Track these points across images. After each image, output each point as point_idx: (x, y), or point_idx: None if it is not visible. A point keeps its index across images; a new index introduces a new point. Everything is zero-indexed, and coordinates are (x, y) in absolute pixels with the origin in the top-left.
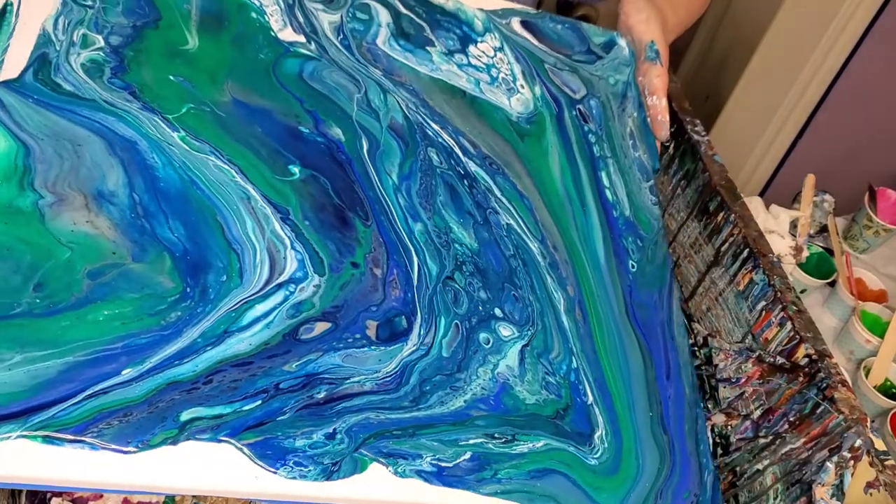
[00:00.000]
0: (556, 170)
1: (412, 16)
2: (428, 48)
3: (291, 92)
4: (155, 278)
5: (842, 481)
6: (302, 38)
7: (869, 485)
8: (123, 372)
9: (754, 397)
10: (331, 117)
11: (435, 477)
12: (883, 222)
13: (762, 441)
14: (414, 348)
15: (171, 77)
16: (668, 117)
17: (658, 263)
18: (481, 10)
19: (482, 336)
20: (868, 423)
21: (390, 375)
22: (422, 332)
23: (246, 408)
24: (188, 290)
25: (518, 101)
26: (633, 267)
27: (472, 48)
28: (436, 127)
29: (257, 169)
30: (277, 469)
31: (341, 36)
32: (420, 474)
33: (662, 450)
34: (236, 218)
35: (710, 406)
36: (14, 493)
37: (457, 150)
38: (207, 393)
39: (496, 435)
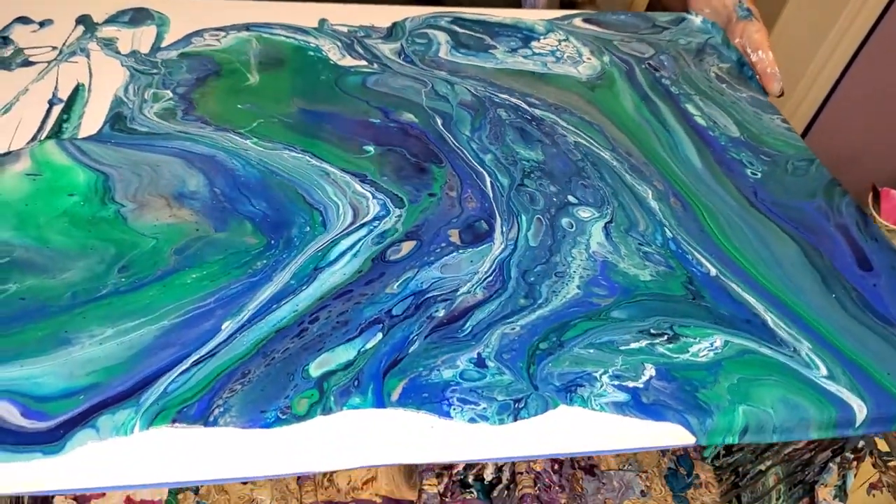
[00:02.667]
0: (629, 105)
1: (470, 32)
2: (490, 51)
3: (357, 97)
4: (238, 240)
5: (844, 482)
6: (363, 63)
7: (872, 486)
8: (223, 326)
9: None
10: (400, 108)
11: (633, 406)
12: (887, 223)
13: None
14: (502, 247)
15: (239, 105)
16: (777, 70)
17: (811, 176)
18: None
19: (564, 221)
20: None
21: (490, 275)
22: (504, 230)
23: (369, 345)
24: (272, 242)
25: (585, 67)
26: (754, 175)
27: (534, 43)
28: (503, 95)
29: (332, 152)
30: (449, 411)
31: (403, 56)
32: (614, 406)
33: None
34: (316, 188)
35: None
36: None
37: (523, 104)
38: (318, 332)
39: (652, 330)
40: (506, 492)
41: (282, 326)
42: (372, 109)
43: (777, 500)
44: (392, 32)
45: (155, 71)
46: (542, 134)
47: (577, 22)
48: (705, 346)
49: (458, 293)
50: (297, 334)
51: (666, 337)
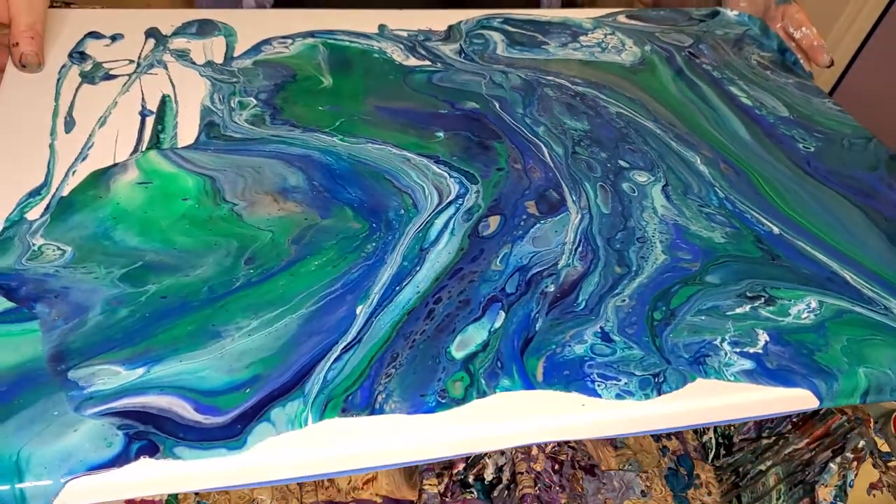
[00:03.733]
0: (672, 86)
1: (523, 31)
2: (543, 46)
3: (425, 93)
4: (344, 225)
5: (845, 482)
6: (427, 63)
7: (872, 486)
8: (357, 311)
9: None
10: (464, 98)
11: (762, 373)
12: None
13: (765, 441)
14: (578, 216)
15: (320, 107)
16: (823, 42)
17: (870, 151)
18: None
19: (625, 186)
20: (871, 424)
21: (579, 245)
22: (575, 199)
23: (497, 325)
24: (374, 225)
25: (628, 55)
26: (807, 148)
27: (583, 38)
28: (549, 78)
29: (408, 141)
30: (595, 388)
31: (463, 55)
32: (745, 374)
33: None
34: (401, 174)
35: None
36: None
37: (567, 83)
38: (445, 313)
39: (748, 294)
40: (506, 492)
41: (411, 308)
42: (439, 102)
43: (777, 500)
44: (450, 35)
45: (234, 80)
46: (585, 107)
47: (621, 18)
48: (803, 307)
49: (560, 266)
50: (427, 316)
51: (763, 300)
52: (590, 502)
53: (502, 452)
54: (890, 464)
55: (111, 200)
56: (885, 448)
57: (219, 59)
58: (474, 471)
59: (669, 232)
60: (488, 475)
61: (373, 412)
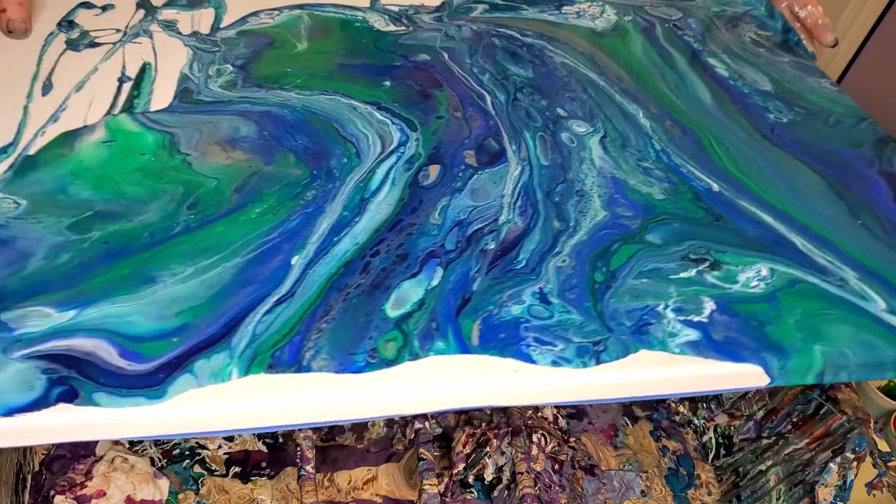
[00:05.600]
0: (638, 50)
1: (510, 3)
2: (520, 11)
3: (389, 51)
4: (286, 171)
5: (845, 482)
6: (402, 28)
7: (872, 486)
8: (293, 261)
9: (757, 398)
10: (419, 51)
11: (708, 346)
12: None
13: (765, 442)
14: (518, 168)
15: (288, 69)
16: (828, 21)
17: (860, 130)
18: None
19: (564, 136)
20: (871, 424)
21: (518, 199)
22: (514, 149)
23: (434, 283)
24: (314, 172)
25: (601, 21)
26: (778, 119)
27: (566, 7)
28: (501, 29)
29: (356, 90)
30: (531, 353)
31: (437, 19)
32: (691, 346)
33: None
34: (347, 122)
35: (712, 406)
36: (17, 489)
37: (517, 34)
38: (381, 267)
39: (692, 255)
40: (506, 492)
41: (347, 260)
42: (396, 56)
43: (777, 500)
44: (441, 8)
45: (216, 49)
46: (531, 56)
47: None
48: (752, 274)
49: (500, 223)
50: (363, 269)
51: (708, 263)
52: (590, 502)
53: (502, 452)
54: (890, 464)
55: (73, 158)
56: (885, 448)
57: (205, 30)
58: (474, 471)
59: (608, 186)
60: (488, 475)
61: (300, 369)
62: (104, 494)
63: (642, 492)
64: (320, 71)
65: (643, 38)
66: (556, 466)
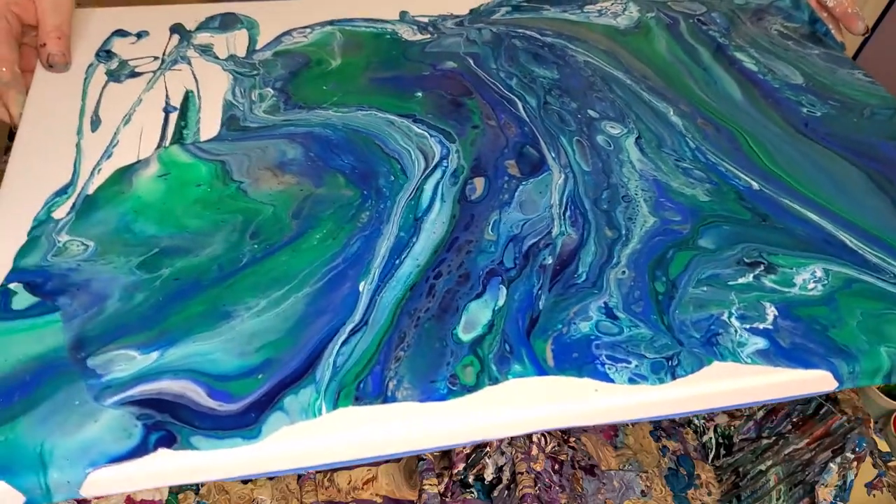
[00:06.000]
0: (662, 47)
1: (534, 4)
2: (542, 11)
3: (417, 60)
4: (337, 192)
5: (845, 482)
6: (427, 36)
7: (872, 486)
8: (360, 288)
9: None
10: (445, 59)
11: (777, 353)
12: None
13: (765, 442)
14: (562, 176)
15: (324, 87)
16: (857, 9)
17: (884, 119)
18: None
19: (600, 139)
20: (871, 424)
21: (567, 209)
22: (554, 156)
23: (500, 303)
24: (365, 192)
25: (624, 19)
26: (811, 112)
27: (588, 7)
28: (521, 30)
29: (389, 102)
30: (607, 372)
31: (458, 23)
32: (761, 355)
33: None
34: (388, 137)
35: None
36: None
37: (536, 35)
38: (447, 289)
39: (745, 259)
40: (506, 492)
41: (412, 283)
42: (424, 66)
43: (777, 500)
44: (470, 16)
45: (255, 73)
46: (554, 56)
47: None
48: (807, 276)
49: (554, 235)
50: (429, 292)
51: (763, 267)
52: (590, 502)
53: (502, 452)
54: (890, 464)
55: (133, 195)
56: (885, 448)
57: (241, 53)
58: (474, 471)
59: (652, 189)
60: (488, 475)
61: (385, 400)
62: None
63: (642, 492)
64: (354, 86)
65: (667, 35)
66: (556, 466)
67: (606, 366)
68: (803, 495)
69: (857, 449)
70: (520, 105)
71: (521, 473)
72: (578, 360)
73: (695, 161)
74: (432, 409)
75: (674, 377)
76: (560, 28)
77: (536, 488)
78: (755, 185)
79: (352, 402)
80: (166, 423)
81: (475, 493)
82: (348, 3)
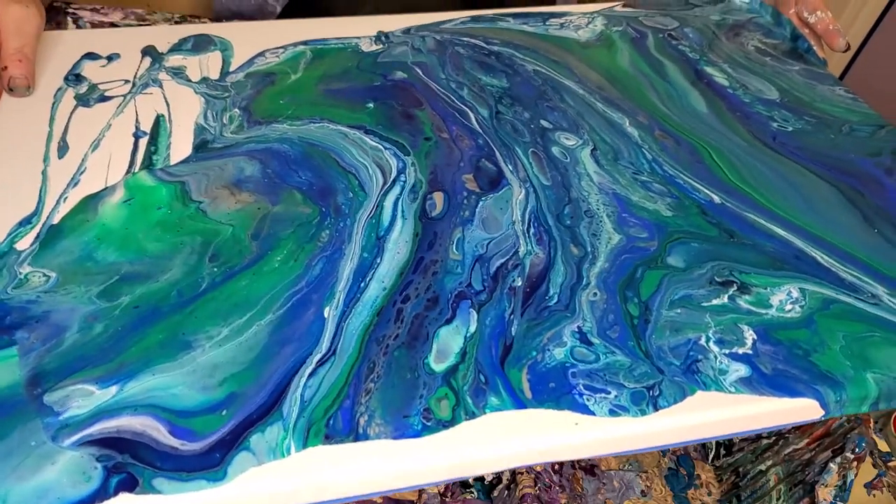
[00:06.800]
0: (624, 60)
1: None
2: (499, 22)
3: (370, 71)
4: (295, 210)
5: (845, 482)
6: (381, 47)
7: (872, 486)
8: (325, 314)
9: None
10: (395, 69)
11: (761, 381)
12: None
13: (765, 441)
14: (522, 192)
15: (280, 101)
16: (838, 26)
17: (878, 137)
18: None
19: (555, 151)
20: (871, 424)
21: (532, 226)
22: (511, 169)
23: (471, 329)
24: (323, 209)
25: (586, 32)
26: (782, 128)
27: (553, 20)
28: (466, 38)
29: (341, 114)
30: (586, 403)
31: (409, 32)
32: (744, 384)
33: None
34: (343, 151)
35: None
36: None
37: (481, 43)
38: (415, 314)
39: (717, 278)
40: (506, 492)
41: (379, 307)
42: (376, 76)
43: (777, 500)
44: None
45: (226, 94)
46: (502, 65)
47: (617, 7)
48: (783, 297)
49: (521, 255)
50: (397, 317)
51: (735, 287)
52: (590, 502)
53: None
54: (890, 464)
55: (98, 223)
56: (885, 448)
57: (214, 75)
58: None
59: (613, 204)
60: (488, 475)
61: (357, 438)
62: None
63: (642, 492)
64: (307, 98)
65: (631, 48)
66: (556, 466)
67: (585, 396)
68: (803, 495)
69: (857, 449)
70: (472, 116)
71: (521, 473)
72: (555, 390)
73: (652, 174)
74: (407, 446)
75: (656, 408)
76: (509, 38)
77: (536, 488)
78: (716, 199)
79: (322, 441)
80: (127, 464)
81: (475, 493)
82: (323, 24)
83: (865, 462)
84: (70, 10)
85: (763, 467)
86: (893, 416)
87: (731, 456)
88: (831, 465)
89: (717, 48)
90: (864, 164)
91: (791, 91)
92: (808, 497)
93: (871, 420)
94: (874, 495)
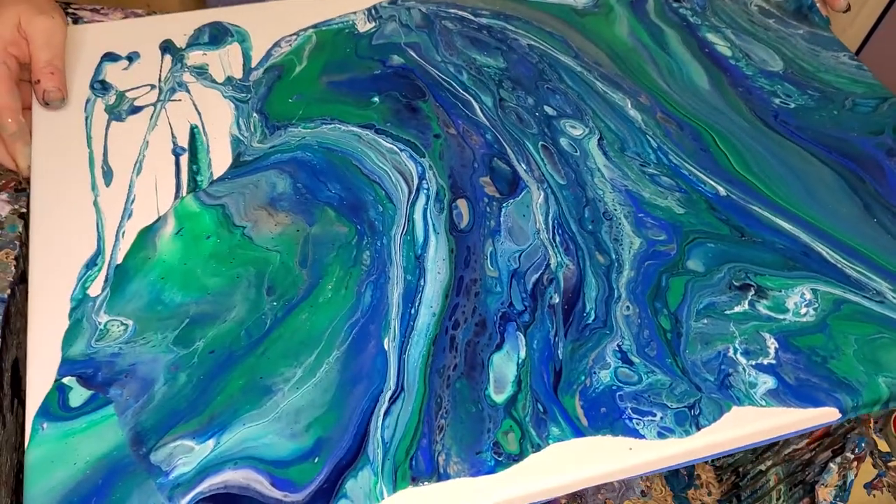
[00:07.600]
0: (623, 30)
1: None
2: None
3: (366, 56)
4: (331, 230)
5: (845, 482)
6: (373, 26)
7: (872, 486)
8: (385, 345)
9: None
10: (391, 53)
11: (787, 392)
12: None
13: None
14: (540, 195)
15: (289, 99)
16: None
17: (881, 113)
18: None
19: (564, 143)
20: (871, 424)
21: (557, 235)
22: (525, 168)
23: (521, 355)
24: (358, 228)
25: None
26: (784, 104)
27: None
28: (451, 10)
29: (348, 111)
30: (636, 427)
31: (396, 4)
32: (772, 396)
33: None
34: (362, 157)
35: None
36: (17, 489)
37: (469, 16)
38: (466, 341)
39: (734, 282)
40: None
41: (433, 337)
42: (374, 63)
43: (777, 500)
44: None
45: (249, 97)
46: (495, 41)
47: None
48: (798, 300)
49: (553, 268)
50: (451, 346)
51: (753, 291)
52: (590, 502)
53: None
54: (890, 464)
55: (158, 259)
56: (885, 448)
57: (237, 74)
58: None
59: (627, 203)
60: None
61: (440, 478)
62: None
63: (642, 492)
64: (314, 94)
65: (630, 14)
66: None
67: (634, 420)
68: (803, 495)
69: (857, 449)
70: (476, 107)
71: None
72: (608, 416)
73: (659, 165)
74: (484, 483)
75: (698, 427)
76: (501, 7)
77: None
78: (721, 191)
79: (409, 484)
80: None
81: None
82: (331, 2)
83: (865, 462)
84: (70, 11)
85: (763, 467)
86: (893, 417)
87: (731, 456)
88: (831, 465)
89: (719, 10)
90: (865, 144)
91: (795, 60)
92: (808, 497)
93: (871, 420)
94: (874, 495)
